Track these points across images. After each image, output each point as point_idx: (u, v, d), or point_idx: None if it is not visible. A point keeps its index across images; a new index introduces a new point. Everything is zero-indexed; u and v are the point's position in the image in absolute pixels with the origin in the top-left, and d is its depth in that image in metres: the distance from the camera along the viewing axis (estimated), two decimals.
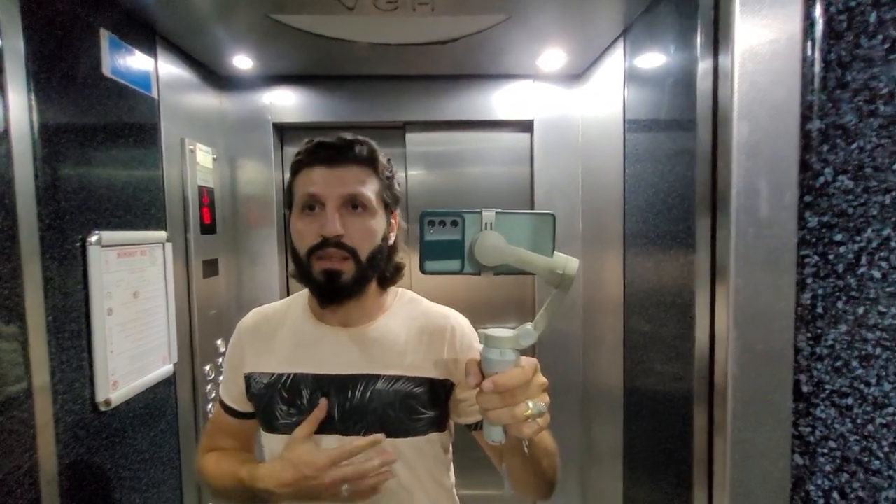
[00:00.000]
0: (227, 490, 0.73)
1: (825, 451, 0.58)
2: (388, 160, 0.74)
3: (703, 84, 0.64)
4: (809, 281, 0.58)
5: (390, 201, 0.73)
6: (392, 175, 0.74)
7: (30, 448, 0.72)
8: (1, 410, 0.68)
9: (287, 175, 1.53)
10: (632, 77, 1.06)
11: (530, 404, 0.48)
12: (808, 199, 0.57)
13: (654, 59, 0.94)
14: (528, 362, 0.50)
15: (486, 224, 0.49)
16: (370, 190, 0.69)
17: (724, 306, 0.59)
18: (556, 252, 0.50)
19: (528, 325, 0.50)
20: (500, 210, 0.50)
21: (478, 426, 0.72)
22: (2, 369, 0.69)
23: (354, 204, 0.68)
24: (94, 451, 0.86)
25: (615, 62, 1.15)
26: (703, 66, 0.65)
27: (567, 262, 0.49)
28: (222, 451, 0.80)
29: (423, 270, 0.51)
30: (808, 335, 0.58)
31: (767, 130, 0.55)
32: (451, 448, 0.80)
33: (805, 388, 0.57)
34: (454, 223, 0.50)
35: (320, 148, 0.69)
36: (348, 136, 0.70)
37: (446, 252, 0.50)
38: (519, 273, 0.50)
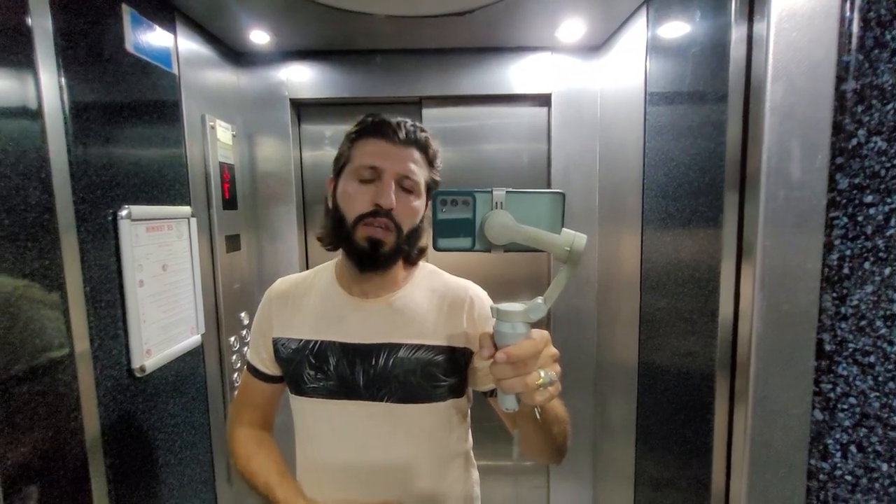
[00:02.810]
0: (253, 485, 0.75)
1: (845, 406, 0.59)
2: (437, 150, 0.78)
3: (737, 51, 0.63)
4: (837, 242, 0.58)
5: (432, 188, 0.76)
6: (438, 166, 0.78)
7: (75, 409, 0.76)
8: (48, 373, 0.71)
9: (305, 152, 1.54)
10: (654, 47, 1.04)
11: (542, 374, 0.50)
12: (839, 160, 0.57)
13: (679, 28, 0.92)
14: (540, 334, 0.52)
15: (496, 203, 0.50)
16: (421, 173, 0.73)
17: (752, 267, 0.59)
18: (564, 228, 0.50)
19: (539, 300, 0.51)
20: (510, 189, 0.51)
21: (493, 393, 0.73)
22: (47, 335, 0.72)
23: (406, 182, 0.71)
24: (132, 414, 0.90)
25: (637, 32, 1.13)
26: (737, 32, 0.64)
27: (574, 238, 0.49)
28: (253, 436, 0.82)
29: (435, 247, 0.53)
30: (834, 295, 0.58)
31: (802, 91, 0.55)
32: (468, 414, 0.83)
33: (828, 347, 0.58)
34: (466, 202, 0.51)
35: (385, 124, 0.72)
36: (409, 120, 0.74)
37: (458, 230, 0.52)
38: (528, 250, 0.51)
